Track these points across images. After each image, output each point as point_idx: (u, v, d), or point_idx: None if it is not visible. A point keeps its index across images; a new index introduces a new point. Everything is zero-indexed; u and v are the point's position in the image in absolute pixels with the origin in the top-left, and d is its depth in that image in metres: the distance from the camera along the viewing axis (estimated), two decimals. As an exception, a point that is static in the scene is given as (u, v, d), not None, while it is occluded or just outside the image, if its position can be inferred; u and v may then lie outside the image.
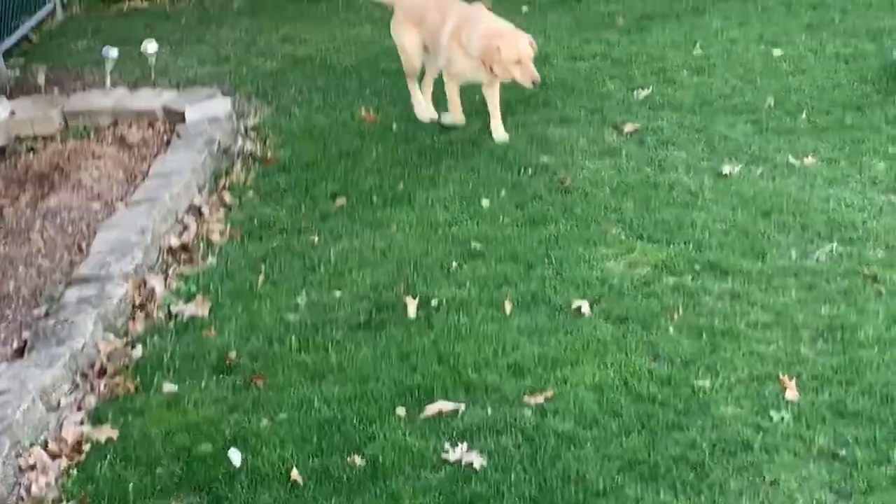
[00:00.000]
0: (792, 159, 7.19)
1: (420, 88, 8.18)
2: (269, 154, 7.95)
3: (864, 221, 6.46)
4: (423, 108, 8.16)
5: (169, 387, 5.60)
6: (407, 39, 8.06)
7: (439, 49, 7.81)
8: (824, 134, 7.49)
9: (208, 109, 8.20)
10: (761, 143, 7.42)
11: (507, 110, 7.90)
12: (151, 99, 8.53)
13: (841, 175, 6.98)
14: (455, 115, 7.93)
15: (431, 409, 5.22)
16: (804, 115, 7.73)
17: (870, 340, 5.44)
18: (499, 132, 7.73)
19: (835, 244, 6.26)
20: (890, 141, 7.28)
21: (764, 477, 4.73)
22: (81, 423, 5.42)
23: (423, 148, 7.76)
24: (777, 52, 8.85)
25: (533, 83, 7.35)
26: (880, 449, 4.82)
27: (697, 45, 9.13)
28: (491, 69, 7.45)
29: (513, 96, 8.09)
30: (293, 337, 5.87)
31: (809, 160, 7.16)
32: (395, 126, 8.16)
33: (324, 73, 9.35)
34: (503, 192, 7.06)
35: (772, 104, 7.94)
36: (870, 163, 7.08)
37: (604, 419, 5.10)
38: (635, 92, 8.31)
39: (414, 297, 6.05)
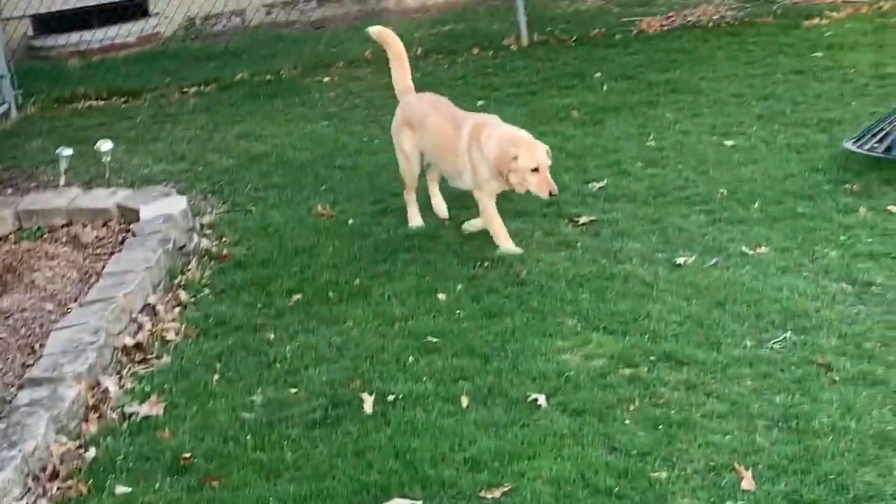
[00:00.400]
0: (745, 249, 7.23)
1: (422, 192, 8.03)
2: (224, 251, 7.95)
3: (818, 310, 6.48)
4: (418, 217, 7.95)
5: (122, 489, 5.53)
6: (405, 141, 7.84)
7: (454, 161, 7.52)
8: (777, 223, 7.54)
9: (163, 207, 8.20)
10: (715, 234, 7.47)
11: (462, 203, 7.93)
12: (106, 198, 8.53)
13: (794, 264, 7.02)
14: (504, 242, 7.45)
15: (387, 508, 5.19)
16: (757, 205, 7.79)
17: (824, 429, 5.44)
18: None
19: (789, 333, 6.27)
20: (841, 229, 7.34)
21: (722, 569, 4.71)
22: (33, 527, 5.36)
23: (379, 243, 7.78)
24: (729, 142, 8.94)
25: (550, 193, 7.15)
26: (837, 538, 4.81)
27: (651, 137, 9.22)
28: (506, 178, 7.24)
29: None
30: (248, 435, 5.83)
31: (762, 249, 7.20)
32: (351, 221, 8.19)
33: (280, 169, 9.39)
34: (459, 286, 7.07)
35: (725, 194, 8.01)
36: (822, 251, 7.12)
37: (561, 514, 5.07)
38: (590, 184, 8.37)
39: (370, 393, 6.02)
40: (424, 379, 6.14)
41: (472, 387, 6.03)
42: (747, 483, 5.13)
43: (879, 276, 6.77)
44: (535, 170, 7.15)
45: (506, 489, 5.22)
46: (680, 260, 7.15)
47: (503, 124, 7.51)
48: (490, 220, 7.49)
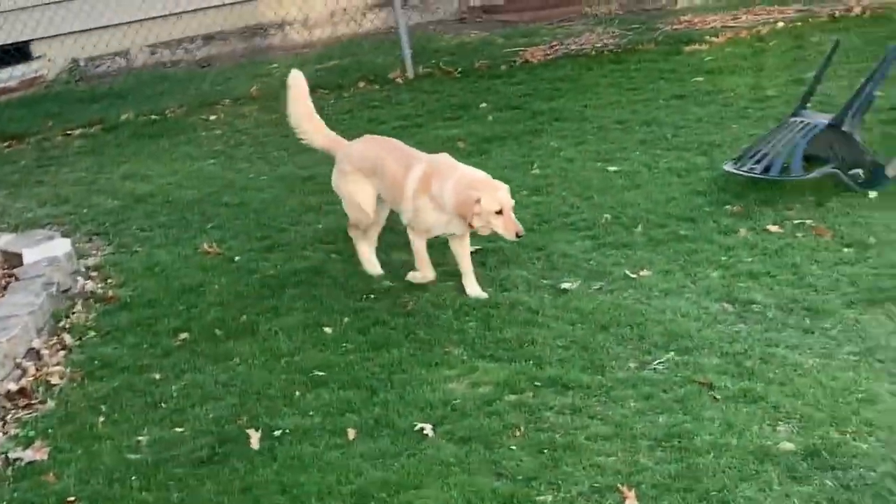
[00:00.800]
0: (629, 273, 7.31)
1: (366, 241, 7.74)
2: (110, 293, 7.89)
3: (700, 330, 6.56)
4: (373, 264, 7.68)
5: (6, 536, 5.47)
6: (358, 190, 7.51)
7: (401, 202, 7.29)
8: (660, 246, 7.63)
9: (47, 251, 8.11)
10: (599, 259, 7.54)
11: (347, 235, 7.95)
12: (-12, 243, 8.43)
13: (676, 286, 7.10)
14: (424, 271, 7.40)
15: (273, 543, 5.17)
16: (640, 229, 7.89)
17: (706, 447, 5.50)
18: (474, 289, 7.24)
19: (671, 354, 6.35)
20: (722, 250, 7.45)
21: (607, 589, 4.74)
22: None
23: (266, 279, 7.77)
24: (613, 168, 9.05)
25: (517, 235, 6.98)
26: (719, 554, 4.87)
27: (536, 165, 9.31)
28: (469, 222, 7.03)
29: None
30: (134, 477, 5.78)
31: (645, 273, 7.29)
32: (238, 258, 8.18)
33: (166, 208, 9.35)
34: (346, 319, 7.07)
35: (608, 220, 8.10)
36: (704, 272, 7.22)
37: (447, 542, 5.08)
38: (476, 214, 8.41)
39: (257, 429, 6.00)
40: (311, 413, 6.13)
41: (358, 419, 6.03)
42: (631, 503, 5.18)
43: (759, 294, 6.88)
44: (499, 212, 6.96)
45: (392, 520, 5.23)
46: (565, 285, 7.22)
47: (458, 166, 7.26)
48: (418, 254, 7.38)
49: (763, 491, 5.19)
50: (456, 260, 7.36)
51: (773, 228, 7.64)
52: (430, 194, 7.13)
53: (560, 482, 5.38)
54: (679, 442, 5.58)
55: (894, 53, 8.27)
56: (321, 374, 6.50)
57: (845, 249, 7.28)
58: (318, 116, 7.91)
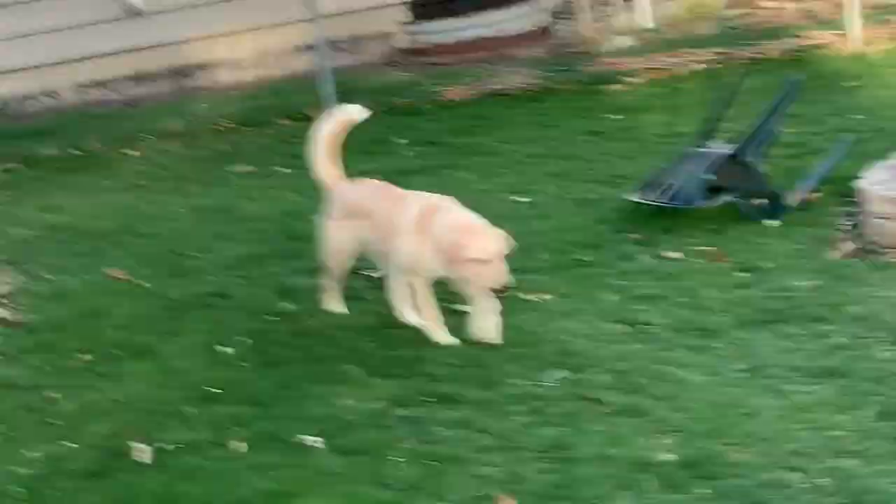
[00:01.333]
0: (531, 297, 7.39)
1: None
2: (16, 318, 7.89)
3: (594, 350, 6.65)
4: (341, 304, 7.40)
5: None
6: (343, 237, 7.23)
7: (392, 242, 6.88)
8: (562, 272, 7.73)
9: (-46, 281, 8.13)
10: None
11: (256, 263, 8.01)
12: None
13: (574, 308, 7.19)
14: (435, 331, 6.89)
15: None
16: (544, 256, 7.98)
17: (588, 458, 5.57)
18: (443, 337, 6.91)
19: (565, 372, 6.42)
20: (622, 275, 7.55)
21: (478, 590, 4.79)
22: None
23: (171, 303, 7.81)
24: (523, 199, 9.15)
25: (503, 288, 6.59)
26: (588, 559, 4.94)
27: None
28: (456, 268, 6.64)
29: (264, 248, 8.26)
30: (21, 489, 5.80)
31: (547, 296, 7.38)
32: (147, 285, 8.20)
33: (79, 238, 9.37)
34: (246, 340, 7.11)
35: (515, 247, 8.16)
36: (603, 296, 7.31)
37: (326, 547, 5.12)
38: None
39: (148, 444, 6.02)
40: (202, 428, 6.16)
41: (249, 433, 6.07)
42: (507, 511, 5.24)
43: (655, 316, 6.97)
44: (488, 261, 6.58)
45: (274, 528, 5.26)
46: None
47: (455, 208, 6.89)
48: (393, 294, 7.06)
49: (639, 499, 5.26)
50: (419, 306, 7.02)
51: (673, 255, 7.76)
52: (430, 232, 6.73)
53: (442, 492, 5.43)
54: (562, 453, 5.64)
55: (793, 87, 8.44)
56: (216, 391, 6.53)
57: (741, 274, 7.40)
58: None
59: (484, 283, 6.65)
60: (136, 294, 8.03)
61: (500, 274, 6.60)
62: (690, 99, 11.44)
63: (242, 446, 5.95)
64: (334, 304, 7.47)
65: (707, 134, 8.76)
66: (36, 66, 14.33)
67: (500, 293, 6.68)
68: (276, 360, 6.83)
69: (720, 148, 8.55)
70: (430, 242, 6.71)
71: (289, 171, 10.48)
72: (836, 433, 5.57)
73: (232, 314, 7.50)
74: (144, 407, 6.46)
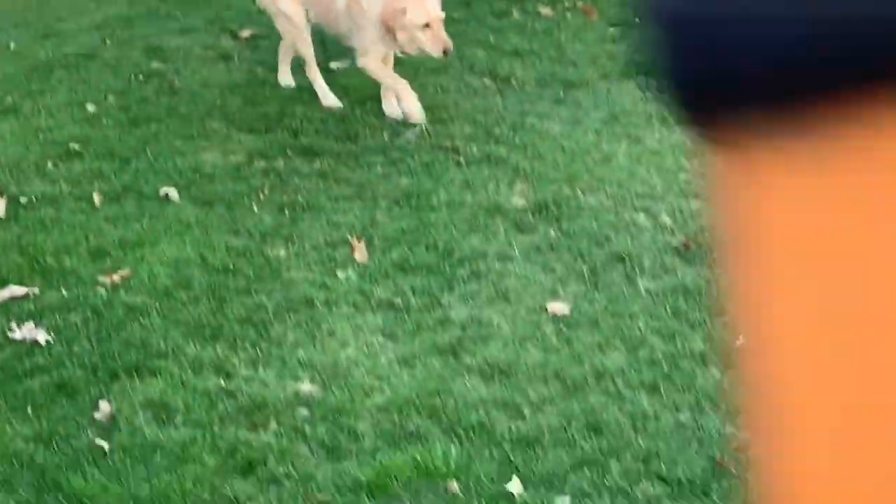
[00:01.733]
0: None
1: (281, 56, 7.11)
2: None
3: (457, 103, 6.68)
4: (329, 96, 6.86)
5: None
6: (289, 6, 6.88)
7: (337, 20, 6.66)
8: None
9: None
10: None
11: (126, 24, 7.89)
12: None
13: (442, 64, 7.15)
14: (410, 106, 6.51)
15: (1, 296, 5.20)
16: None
17: (441, 204, 5.64)
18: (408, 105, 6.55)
19: (424, 125, 6.43)
20: (492, 31, 7.53)
21: (322, 327, 4.87)
22: None
23: (37, 63, 7.67)
24: None
25: (444, 52, 6.33)
26: (433, 295, 5.02)
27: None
28: (394, 36, 6.45)
29: (135, 10, 8.14)
30: None
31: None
32: (11, 45, 8.04)
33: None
34: (111, 98, 7.04)
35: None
36: (471, 52, 7.31)
37: (175, 291, 5.16)
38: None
39: (3, 197, 6.00)
40: (61, 182, 6.13)
41: (107, 187, 6.05)
42: (359, 254, 5.31)
43: (520, 70, 7.01)
44: (427, 25, 6.32)
45: (124, 274, 5.28)
46: (333, 66, 7.25)
47: None
48: (383, 78, 6.67)
49: (488, 240, 5.36)
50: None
51: (545, 11, 7.75)
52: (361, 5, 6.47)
53: (296, 238, 5.49)
54: (416, 200, 5.71)
55: None
56: (76, 147, 6.48)
57: (610, 29, 7.41)
58: None
59: (426, 49, 6.39)
60: (3, 56, 7.89)
61: (440, 38, 6.33)
62: None
63: (98, 199, 5.94)
64: (328, 96, 6.87)
65: None
66: None
67: (444, 56, 6.43)
68: (140, 117, 6.78)
69: None
70: (367, 13, 6.47)
71: None
72: (683, 175, 5.68)
73: (99, 74, 7.40)
74: (4, 164, 6.39)
